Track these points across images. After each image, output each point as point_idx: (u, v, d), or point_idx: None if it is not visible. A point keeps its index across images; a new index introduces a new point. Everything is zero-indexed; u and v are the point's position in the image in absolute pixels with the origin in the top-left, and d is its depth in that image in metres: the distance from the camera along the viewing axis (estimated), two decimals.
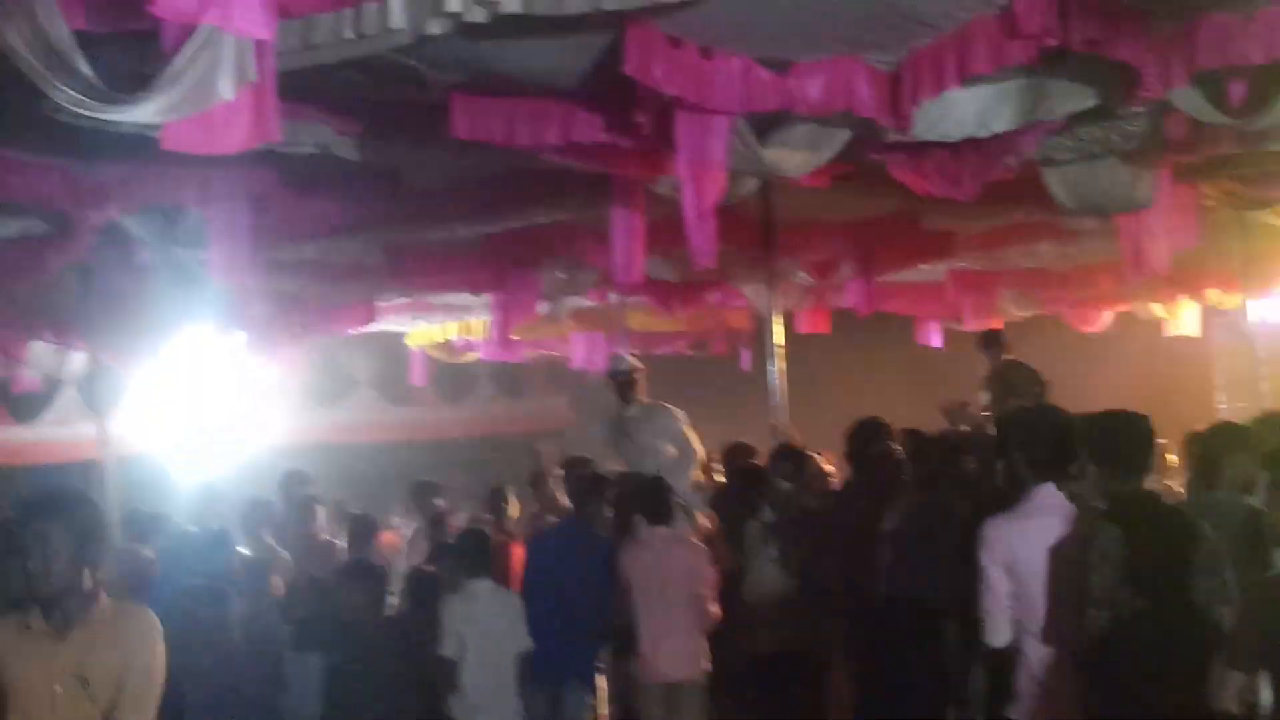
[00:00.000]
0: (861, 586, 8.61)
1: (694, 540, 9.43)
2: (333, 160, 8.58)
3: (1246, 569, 6.99)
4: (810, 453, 10.53)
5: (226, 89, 6.00)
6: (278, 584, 10.06)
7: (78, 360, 15.06)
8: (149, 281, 11.90)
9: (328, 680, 8.94)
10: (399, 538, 13.80)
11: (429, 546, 11.20)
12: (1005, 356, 12.69)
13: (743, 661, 9.16)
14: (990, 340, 13.09)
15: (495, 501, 11.97)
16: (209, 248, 10.11)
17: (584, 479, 10.08)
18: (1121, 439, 6.04)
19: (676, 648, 9.13)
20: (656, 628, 9.13)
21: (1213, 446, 7.57)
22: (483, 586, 8.89)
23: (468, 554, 9.12)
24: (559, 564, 9.38)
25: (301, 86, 7.18)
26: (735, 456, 10.94)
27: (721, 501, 10.36)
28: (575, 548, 9.51)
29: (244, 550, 11.04)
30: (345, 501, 14.42)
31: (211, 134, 6.35)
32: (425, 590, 9.53)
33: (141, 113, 6.10)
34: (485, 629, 8.76)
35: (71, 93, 5.88)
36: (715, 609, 9.09)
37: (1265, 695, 5.72)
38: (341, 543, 11.62)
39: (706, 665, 9.16)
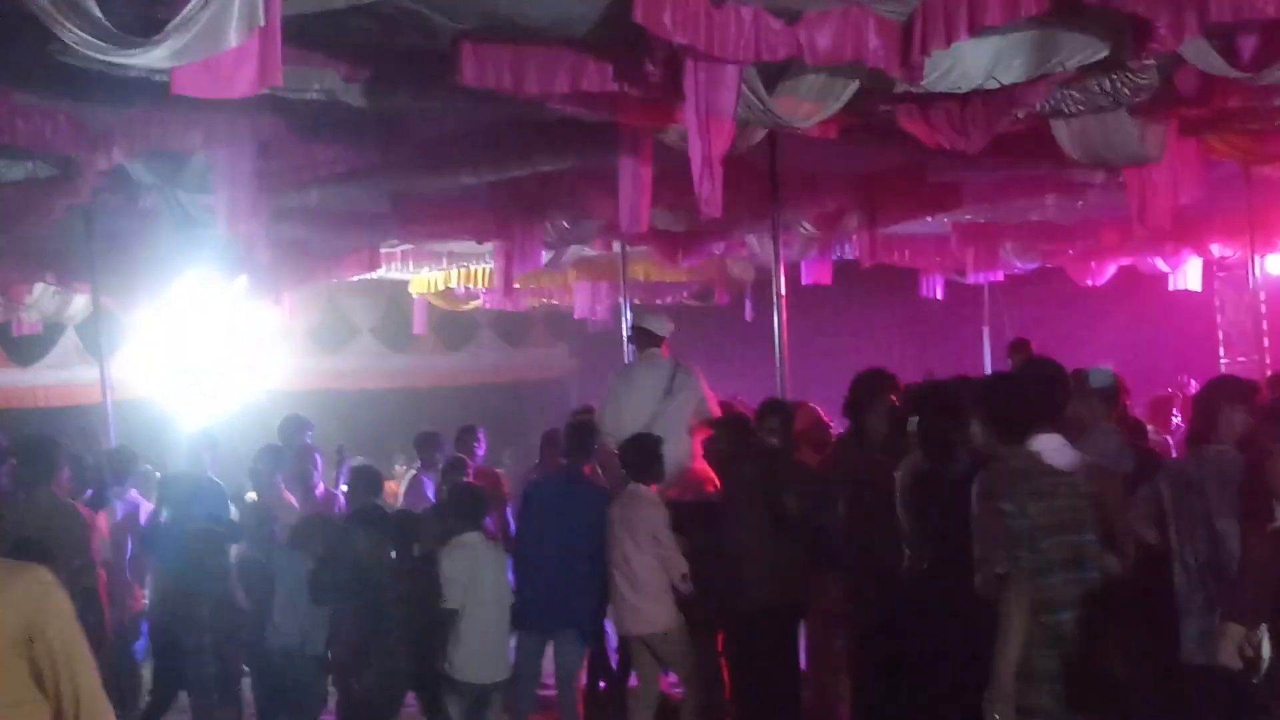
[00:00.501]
0: (859, 544, 8.63)
1: (658, 499, 9.35)
2: (339, 106, 8.57)
3: (1245, 523, 7.09)
4: (807, 405, 10.43)
5: (235, 34, 5.99)
6: (282, 531, 10.08)
7: (79, 304, 15.08)
8: (152, 226, 11.91)
9: (333, 625, 9.03)
10: (397, 485, 13.85)
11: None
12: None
13: (726, 615, 9.15)
14: (1018, 348, 13.06)
15: (465, 441, 12.05)
16: (213, 193, 10.11)
17: (576, 428, 10.05)
18: (1002, 401, 6.20)
19: (641, 603, 9.16)
20: (623, 583, 9.17)
21: (1209, 401, 7.61)
22: (473, 539, 8.96)
23: (460, 507, 9.21)
24: (552, 513, 9.37)
25: (309, 32, 7.17)
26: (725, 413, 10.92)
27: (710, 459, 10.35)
28: (568, 497, 9.51)
29: (252, 495, 11.10)
30: (345, 448, 14.43)
31: (218, 78, 6.35)
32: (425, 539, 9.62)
33: (151, 57, 6.08)
34: (476, 580, 8.85)
35: (82, 35, 5.86)
36: (679, 564, 9.08)
37: (1266, 648, 5.74)
38: (339, 490, 11.67)
39: (675, 617, 9.19)
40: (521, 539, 9.71)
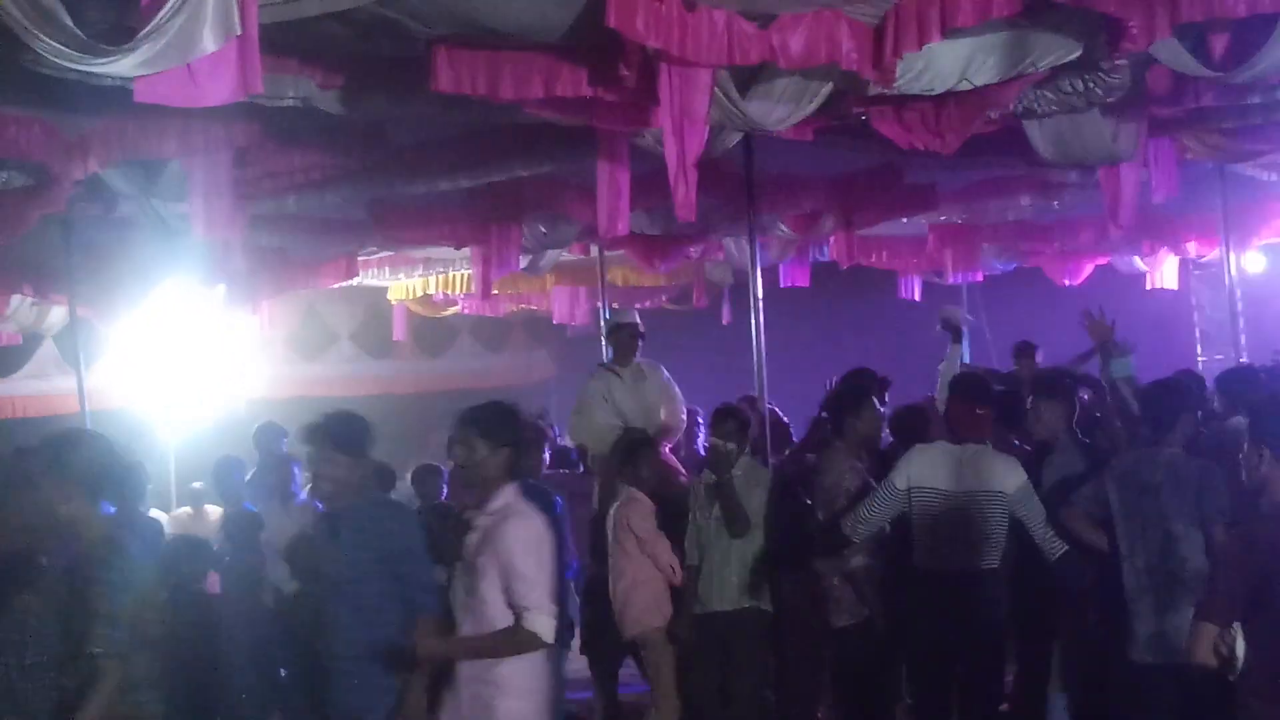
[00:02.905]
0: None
1: (639, 495, 9.39)
2: (315, 113, 8.56)
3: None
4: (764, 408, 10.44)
5: (210, 41, 5.99)
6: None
7: (57, 314, 15.03)
8: (129, 235, 11.88)
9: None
10: None
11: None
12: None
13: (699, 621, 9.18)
14: (1023, 351, 13.06)
15: (450, 449, 12.04)
16: (190, 201, 10.09)
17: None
18: None
19: (636, 603, 9.18)
20: (619, 584, 9.21)
21: (1165, 402, 7.72)
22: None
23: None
24: None
25: (283, 39, 7.16)
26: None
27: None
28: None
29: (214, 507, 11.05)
30: None
31: (194, 87, 6.35)
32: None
33: (122, 65, 6.08)
34: None
35: (54, 44, 5.86)
36: (667, 555, 9.13)
37: (1240, 647, 5.77)
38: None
39: (663, 619, 9.22)
40: None
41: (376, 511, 6.85)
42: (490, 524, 6.31)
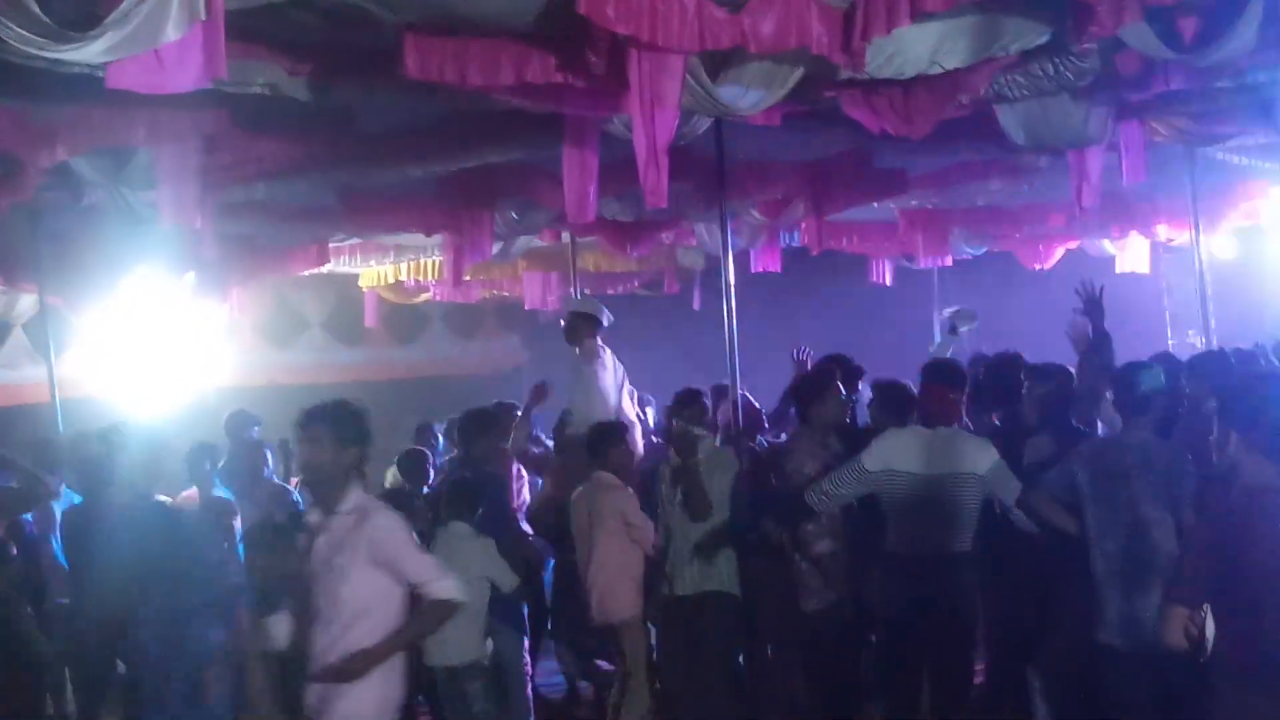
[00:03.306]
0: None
1: (620, 483, 9.45)
2: (284, 101, 8.52)
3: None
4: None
5: (175, 28, 5.96)
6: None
7: (26, 303, 14.96)
8: (98, 224, 11.81)
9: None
10: None
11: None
12: None
13: (665, 605, 9.23)
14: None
15: (424, 438, 12.10)
16: (159, 189, 10.04)
17: (472, 419, 10.17)
18: None
19: (618, 590, 9.21)
20: (596, 572, 9.24)
21: (1137, 383, 7.76)
22: (462, 529, 9.04)
23: (454, 496, 9.32)
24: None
25: (251, 26, 7.13)
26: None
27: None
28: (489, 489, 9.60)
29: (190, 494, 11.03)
30: (290, 441, 14.31)
31: (162, 73, 6.32)
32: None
33: (88, 52, 6.05)
34: (461, 569, 8.90)
35: (20, 31, 5.83)
36: (649, 536, 9.17)
37: (1210, 629, 5.81)
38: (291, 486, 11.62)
39: (641, 605, 9.28)
40: None
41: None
42: (349, 525, 6.31)
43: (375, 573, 6.26)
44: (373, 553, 6.24)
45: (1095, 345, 9.26)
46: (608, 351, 11.06)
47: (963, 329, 10.52)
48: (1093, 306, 9.37)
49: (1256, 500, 5.40)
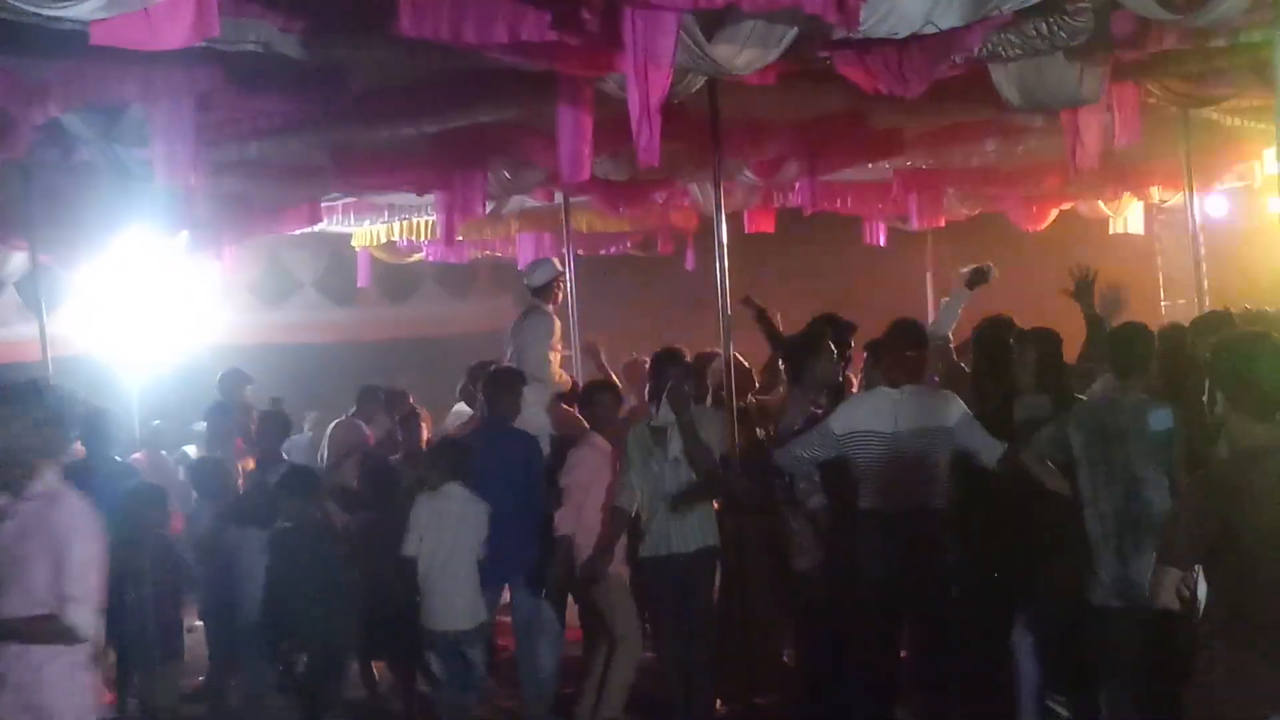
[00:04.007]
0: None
1: (600, 445, 9.49)
2: (277, 58, 8.49)
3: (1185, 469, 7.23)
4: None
5: None
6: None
7: (18, 260, 14.93)
8: (90, 181, 11.78)
9: (267, 589, 9.05)
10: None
11: (402, 446, 11.18)
12: None
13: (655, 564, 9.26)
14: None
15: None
16: (151, 146, 10.01)
17: (491, 375, 10.19)
18: None
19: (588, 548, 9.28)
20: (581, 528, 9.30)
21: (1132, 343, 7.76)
22: (455, 490, 9.06)
23: (444, 458, 9.36)
24: (484, 466, 9.41)
25: None
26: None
27: None
28: (498, 447, 9.57)
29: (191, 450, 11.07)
30: (281, 400, 14.33)
31: (151, 30, 6.30)
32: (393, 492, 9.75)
33: (83, 9, 6.03)
34: (455, 531, 8.93)
35: None
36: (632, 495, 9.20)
37: (1201, 589, 5.83)
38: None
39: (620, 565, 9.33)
40: None
41: None
42: (36, 509, 5.85)
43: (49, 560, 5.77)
44: (48, 540, 5.78)
45: (1091, 335, 9.30)
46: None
47: (978, 286, 10.49)
48: (1083, 290, 9.40)
49: (1247, 461, 5.40)
